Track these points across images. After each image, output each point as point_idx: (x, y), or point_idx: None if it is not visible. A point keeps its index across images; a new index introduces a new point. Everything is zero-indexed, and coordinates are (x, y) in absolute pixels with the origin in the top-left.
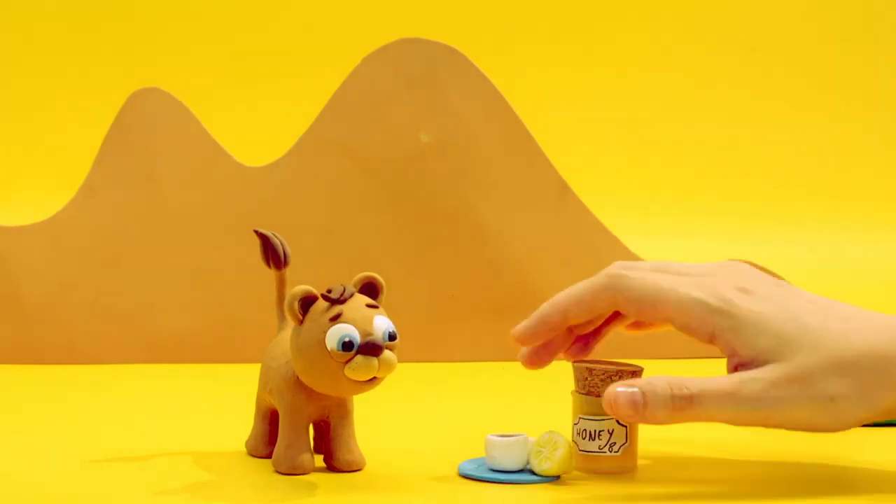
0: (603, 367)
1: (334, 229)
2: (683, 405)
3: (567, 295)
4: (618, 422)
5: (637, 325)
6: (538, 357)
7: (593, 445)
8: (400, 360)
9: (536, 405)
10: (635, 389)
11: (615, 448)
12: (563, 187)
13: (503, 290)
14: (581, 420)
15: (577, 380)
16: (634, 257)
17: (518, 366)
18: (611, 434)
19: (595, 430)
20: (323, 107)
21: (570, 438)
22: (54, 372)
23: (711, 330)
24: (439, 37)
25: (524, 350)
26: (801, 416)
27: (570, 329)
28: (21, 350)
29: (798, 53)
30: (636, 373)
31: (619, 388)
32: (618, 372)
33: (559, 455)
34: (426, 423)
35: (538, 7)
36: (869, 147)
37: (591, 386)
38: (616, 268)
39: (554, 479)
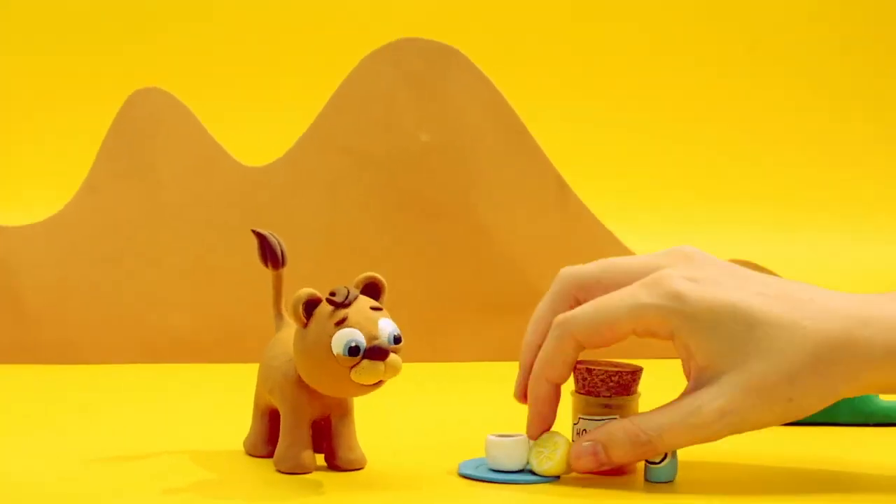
0: (603, 367)
1: (334, 229)
2: (646, 449)
3: (541, 364)
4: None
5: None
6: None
7: None
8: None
9: None
10: (595, 445)
11: None
12: (563, 187)
13: (503, 290)
14: (581, 420)
15: (576, 380)
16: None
17: (518, 366)
18: None
19: None
20: (323, 107)
21: (570, 438)
22: (54, 372)
23: (670, 330)
24: (439, 37)
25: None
26: (760, 420)
27: None
28: (21, 350)
29: (798, 54)
30: (635, 373)
31: (580, 447)
32: (617, 372)
33: (559, 455)
34: (426, 423)
35: (538, 7)
36: (869, 147)
37: (590, 386)
38: (562, 316)
39: (554, 479)
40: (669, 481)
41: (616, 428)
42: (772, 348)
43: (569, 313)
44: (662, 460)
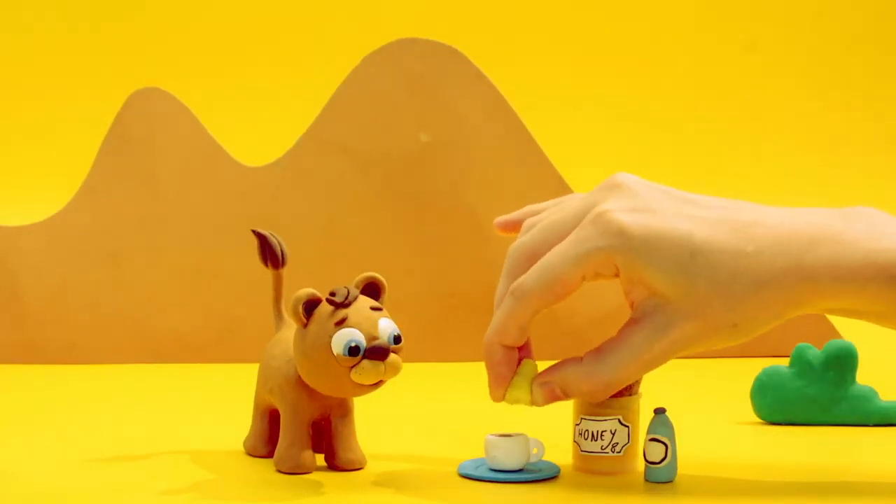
0: None
1: (334, 229)
2: (604, 389)
3: (494, 330)
4: (619, 421)
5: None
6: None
7: (595, 446)
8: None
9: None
10: (552, 385)
11: (617, 448)
12: (563, 187)
13: None
14: (583, 420)
15: None
16: None
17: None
18: (613, 434)
19: (597, 431)
20: (323, 107)
21: (572, 444)
22: (54, 372)
23: (615, 267)
24: (439, 37)
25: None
26: (708, 345)
27: None
28: (21, 350)
29: (798, 54)
30: None
31: (539, 386)
32: None
33: (523, 379)
34: (426, 423)
35: (538, 7)
36: (868, 148)
37: None
38: (514, 282)
39: (553, 476)
40: (669, 481)
41: (571, 372)
42: (715, 277)
43: (518, 280)
44: (662, 460)
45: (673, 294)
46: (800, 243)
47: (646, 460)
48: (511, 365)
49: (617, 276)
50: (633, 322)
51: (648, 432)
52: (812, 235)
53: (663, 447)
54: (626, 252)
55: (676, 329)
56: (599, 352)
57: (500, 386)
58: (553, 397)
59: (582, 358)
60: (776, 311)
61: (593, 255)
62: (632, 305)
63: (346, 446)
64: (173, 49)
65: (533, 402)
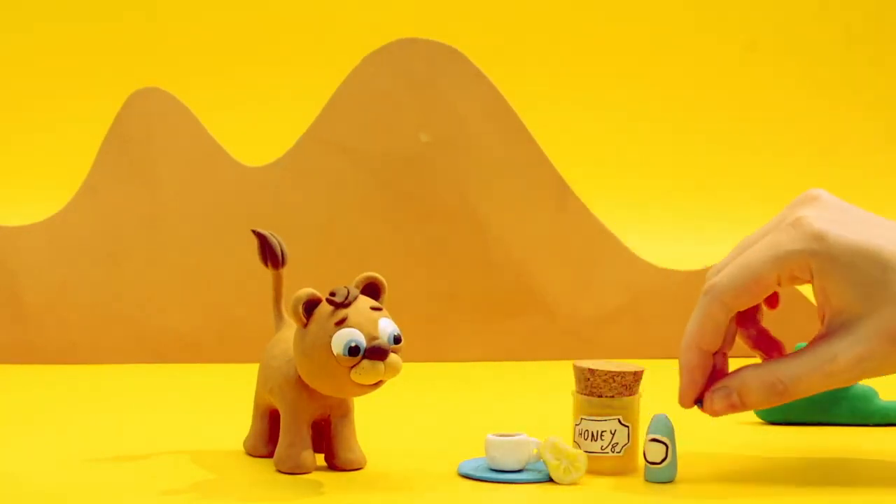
0: (604, 368)
1: (334, 229)
2: (782, 397)
3: (690, 333)
4: (619, 421)
5: (768, 302)
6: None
7: (595, 446)
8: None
9: (536, 405)
10: (729, 390)
11: (617, 448)
12: (563, 187)
13: (503, 290)
14: (583, 421)
15: (578, 380)
16: (634, 257)
17: (518, 366)
18: (613, 434)
19: (597, 431)
20: (323, 107)
21: (572, 443)
22: (54, 372)
23: (810, 272)
24: (439, 37)
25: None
26: (893, 367)
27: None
28: (21, 350)
29: (798, 53)
30: (637, 374)
31: (713, 392)
32: (620, 373)
33: (581, 465)
34: (426, 423)
35: (538, 7)
36: (869, 147)
37: (592, 387)
38: (708, 283)
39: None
40: (670, 481)
41: (750, 375)
42: None
43: (713, 279)
44: (663, 461)
45: (863, 310)
46: None
47: (646, 461)
48: (706, 371)
49: (810, 282)
50: (820, 336)
51: (648, 433)
52: None
53: (664, 447)
54: (823, 257)
55: (863, 345)
56: (782, 359)
57: (693, 394)
58: (729, 404)
59: (761, 363)
60: None
61: (791, 256)
62: (822, 320)
63: (346, 446)
64: (173, 49)
65: (708, 411)
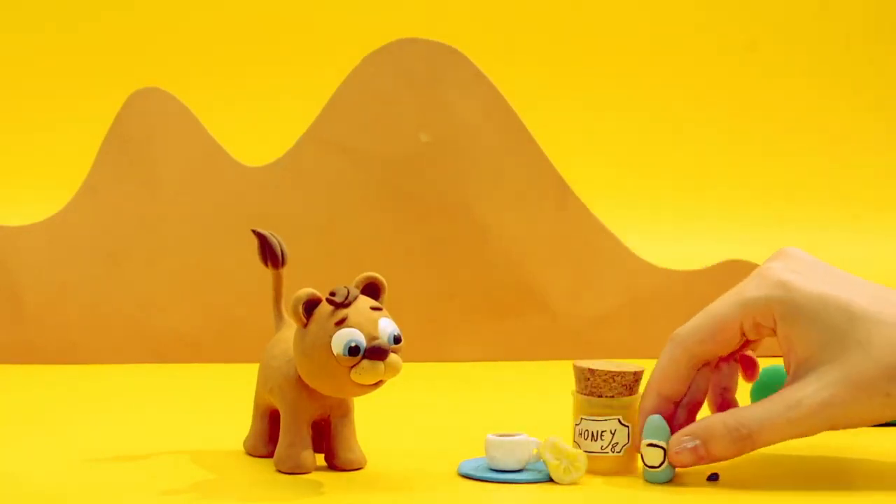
0: (605, 367)
1: (334, 229)
2: (746, 444)
3: (651, 378)
4: (619, 421)
5: (746, 372)
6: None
7: (595, 446)
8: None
9: (536, 405)
10: (696, 441)
11: (617, 448)
12: (563, 187)
13: (503, 290)
14: (583, 420)
15: (578, 380)
16: (634, 257)
17: (518, 366)
18: (613, 434)
19: (597, 431)
20: (323, 107)
21: (572, 444)
22: (54, 372)
23: (774, 319)
24: (439, 37)
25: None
26: (860, 415)
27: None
28: (21, 350)
29: (798, 53)
30: (637, 374)
31: (679, 438)
32: (620, 373)
33: (581, 465)
34: (426, 423)
35: (538, 7)
36: (869, 147)
37: (593, 387)
38: (674, 332)
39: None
40: (668, 481)
41: (716, 422)
42: (872, 342)
43: (680, 328)
44: (661, 464)
45: (828, 357)
46: None
47: (644, 464)
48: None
49: (774, 331)
50: (786, 384)
51: (644, 437)
52: None
53: (661, 451)
54: (787, 304)
55: (828, 390)
56: (749, 406)
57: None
58: (694, 454)
59: (728, 411)
60: None
61: (755, 303)
62: (787, 369)
63: (346, 446)
64: (173, 49)
65: (673, 461)
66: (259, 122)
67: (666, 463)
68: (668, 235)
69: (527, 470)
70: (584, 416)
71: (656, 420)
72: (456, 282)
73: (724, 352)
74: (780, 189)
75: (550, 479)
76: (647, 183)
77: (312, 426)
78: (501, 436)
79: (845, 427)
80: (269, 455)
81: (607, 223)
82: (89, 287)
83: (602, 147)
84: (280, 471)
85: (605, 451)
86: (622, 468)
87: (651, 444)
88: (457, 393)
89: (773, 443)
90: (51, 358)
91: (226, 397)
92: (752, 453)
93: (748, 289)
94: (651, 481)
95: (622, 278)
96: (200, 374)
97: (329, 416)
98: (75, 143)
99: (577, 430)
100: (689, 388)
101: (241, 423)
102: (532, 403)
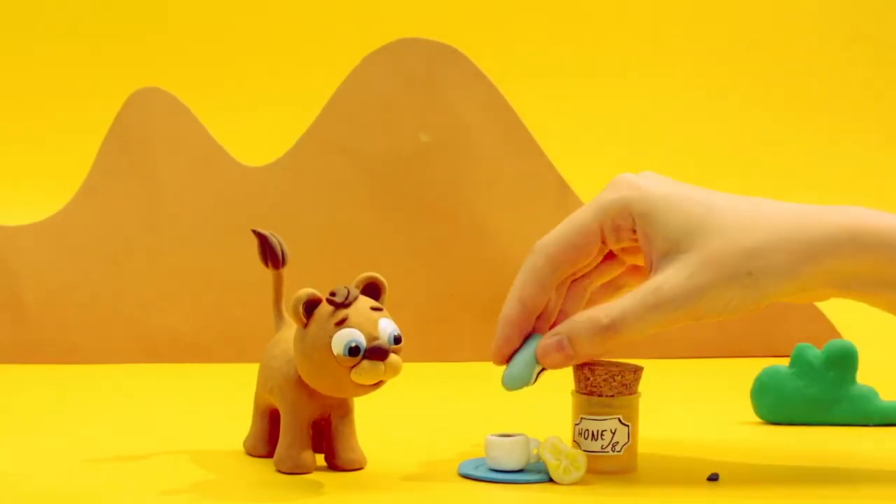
0: (605, 367)
1: (334, 229)
2: (609, 334)
3: (512, 286)
4: (620, 420)
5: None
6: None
7: (595, 445)
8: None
9: (536, 405)
10: (559, 336)
11: (617, 448)
12: (563, 187)
13: (503, 290)
14: (583, 420)
15: (577, 380)
16: None
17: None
18: (613, 434)
19: (597, 430)
20: (323, 107)
21: (572, 443)
22: (54, 372)
23: (631, 217)
24: (439, 37)
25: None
26: (723, 299)
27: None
28: (21, 350)
29: (798, 53)
30: (637, 373)
31: (545, 340)
32: (619, 372)
33: (582, 465)
34: (426, 423)
35: (538, 7)
36: (868, 147)
37: (593, 386)
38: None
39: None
40: (523, 383)
41: (578, 317)
42: (732, 226)
43: (542, 238)
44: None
45: (688, 245)
46: (814, 208)
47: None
48: (523, 328)
49: (634, 235)
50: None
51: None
52: (823, 207)
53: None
54: (643, 201)
55: (688, 271)
56: (611, 301)
57: (506, 350)
58: (561, 352)
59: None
60: (792, 265)
61: (612, 204)
62: (649, 269)
63: (346, 446)
64: (173, 49)
65: (543, 362)
66: (259, 122)
67: (524, 362)
68: None
69: (527, 470)
70: (583, 416)
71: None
72: (456, 282)
73: (585, 259)
74: (780, 189)
75: (550, 479)
76: None
77: (312, 426)
78: (501, 436)
79: (709, 315)
80: (269, 455)
81: None
82: (89, 287)
83: (602, 146)
84: (280, 471)
85: (605, 450)
86: (622, 467)
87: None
88: (457, 393)
89: (639, 333)
90: (51, 358)
91: (226, 397)
92: (751, 453)
93: (604, 195)
94: (507, 384)
95: None
96: (200, 374)
97: (329, 416)
98: (75, 143)
99: (576, 429)
100: (555, 303)
101: (241, 423)
102: (532, 403)
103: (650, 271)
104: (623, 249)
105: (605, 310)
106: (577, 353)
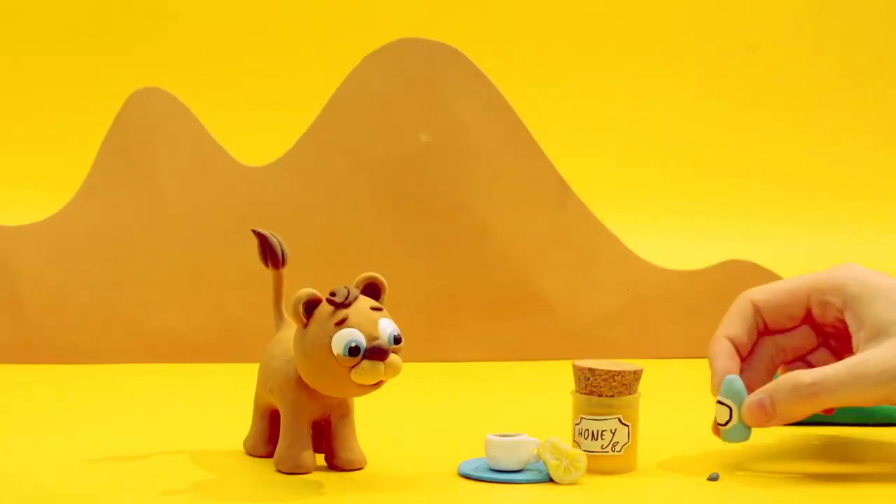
0: (604, 367)
1: (334, 229)
2: (809, 395)
3: (720, 326)
4: (620, 420)
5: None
6: None
7: (595, 445)
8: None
9: (536, 405)
10: (763, 396)
11: (617, 448)
12: (563, 187)
13: (503, 290)
14: (583, 420)
15: (578, 380)
16: (634, 257)
17: (518, 365)
18: (613, 434)
19: (597, 430)
20: (323, 107)
21: (572, 443)
22: (54, 372)
23: (844, 298)
24: (439, 37)
25: None
26: None
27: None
28: (21, 350)
29: (798, 53)
30: (637, 373)
31: (752, 398)
32: (619, 372)
33: (582, 465)
34: (426, 423)
35: (538, 7)
36: (868, 147)
37: (593, 386)
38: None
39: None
40: (744, 440)
41: (784, 377)
42: None
43: (749, 293)
44: (727, 422)
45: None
46: None
47: (716, 422)
48: (734, 359)
49: (841, 315)
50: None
51: (720, 395)
52: None
53: (727, 410)
54: (860, 285)
55: (893, 354)
56: (817, 368)
57: (718, 376)
58: (760, 406)
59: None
60: None
61: (827, 279)
62: (855, 351)
63: (346, 446)
64: (173, 49)
65: (746, 420)
66: (259, 122)
67: (734, 421)
68: (668, 235)
69: (527, 470)
70: (584, 416)
71: (732, 380)
72: (456, 282)
73: (784, 319)
74: (780, 189)
75: (550, 479)
76: (648, 183)
77: (312, 426)
78: (501, 436)
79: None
80: (269, 455)
81: (607, 223)
82: (89, 287)
83: (602, 146)
84: (280, 471)
85: (605, 450)
86: (622, 467)
87: (720, 402)
88: (457, 393)
89: (837, 400)
90: (51, 358)
91: (226, 397)
92: (752, 454)
93: (823, 272)
94: (725, 440)
95: (622, 278)
96: (200, 374)
97: (329, 416)
98: (75, 143)
99: (577, 429)
100: (755, 351)
101: (241, 423)
102: (532, 403)
103: (855, 351)
104: (822, 325)
105: (809, 373)
106: (776, 413)
